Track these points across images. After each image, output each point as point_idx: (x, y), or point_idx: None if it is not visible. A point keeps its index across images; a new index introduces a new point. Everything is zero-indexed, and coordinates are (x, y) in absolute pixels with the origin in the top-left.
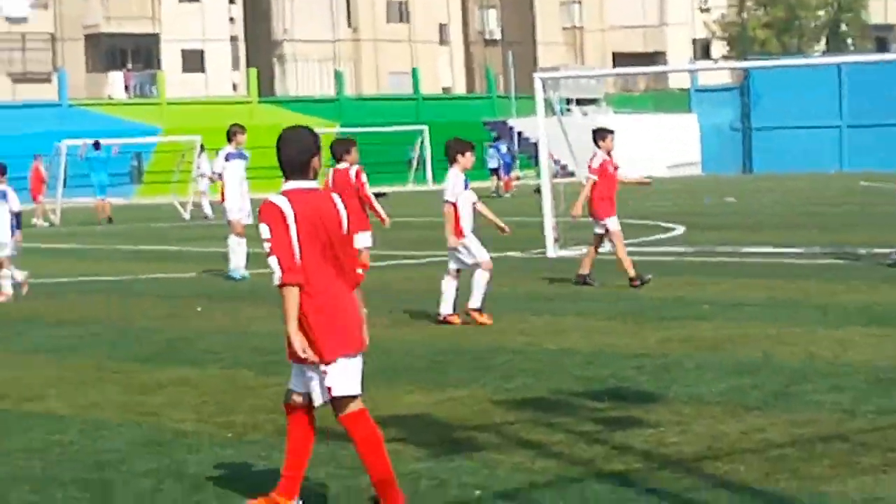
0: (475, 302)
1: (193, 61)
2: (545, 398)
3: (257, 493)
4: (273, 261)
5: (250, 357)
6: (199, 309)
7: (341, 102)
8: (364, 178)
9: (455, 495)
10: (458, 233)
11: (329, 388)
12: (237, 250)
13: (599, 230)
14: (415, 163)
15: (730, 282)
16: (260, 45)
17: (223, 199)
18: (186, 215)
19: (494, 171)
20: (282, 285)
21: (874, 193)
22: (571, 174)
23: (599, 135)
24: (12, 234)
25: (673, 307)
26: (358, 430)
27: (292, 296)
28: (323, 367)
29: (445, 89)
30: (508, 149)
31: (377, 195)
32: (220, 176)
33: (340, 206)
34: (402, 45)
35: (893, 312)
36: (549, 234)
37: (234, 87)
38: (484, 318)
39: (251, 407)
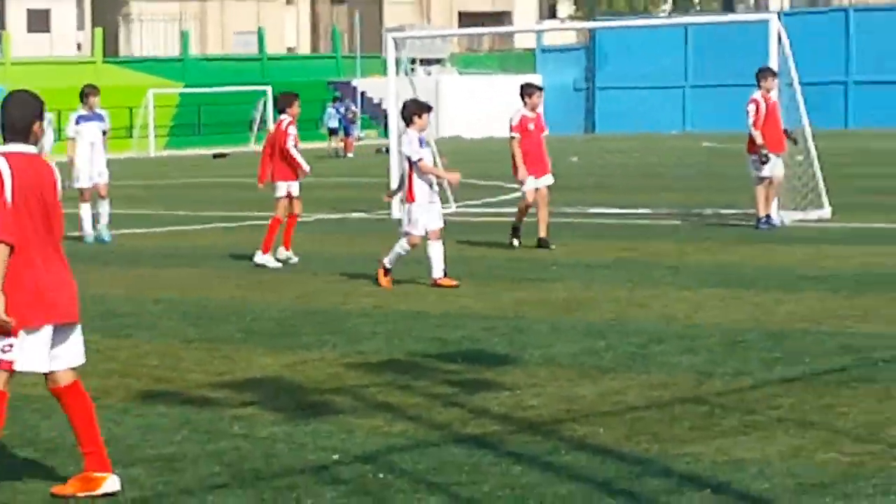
0: (388, 261)
1: (39, 21)
2: (398, 360)
3: (111, 457)
4: None
5: (98, 321)
6: None
7: (186, 62)
8: (292, 130)
9: (313, 459)
10: (410, 197)
11: (10, 362)
12: (85, 217)
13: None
14: (257, 123)
15: (578, 243)
16: (105, 5)
17: (72, 164)
18: None
19: (333, 132)
20: None
21: (717, 154)
22: None
23: (526, 91)
24: None
25: (522, 269)
26: (70, 402)
27: (3, 254)
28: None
29: (290, 49)
30: (347, 109)
31: (216, 156)
32: (73, 139)
33: (56, 173)
34: (247, 5)
35: (744, 274)
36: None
37: (79, 47)
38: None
39: (103, 371)
